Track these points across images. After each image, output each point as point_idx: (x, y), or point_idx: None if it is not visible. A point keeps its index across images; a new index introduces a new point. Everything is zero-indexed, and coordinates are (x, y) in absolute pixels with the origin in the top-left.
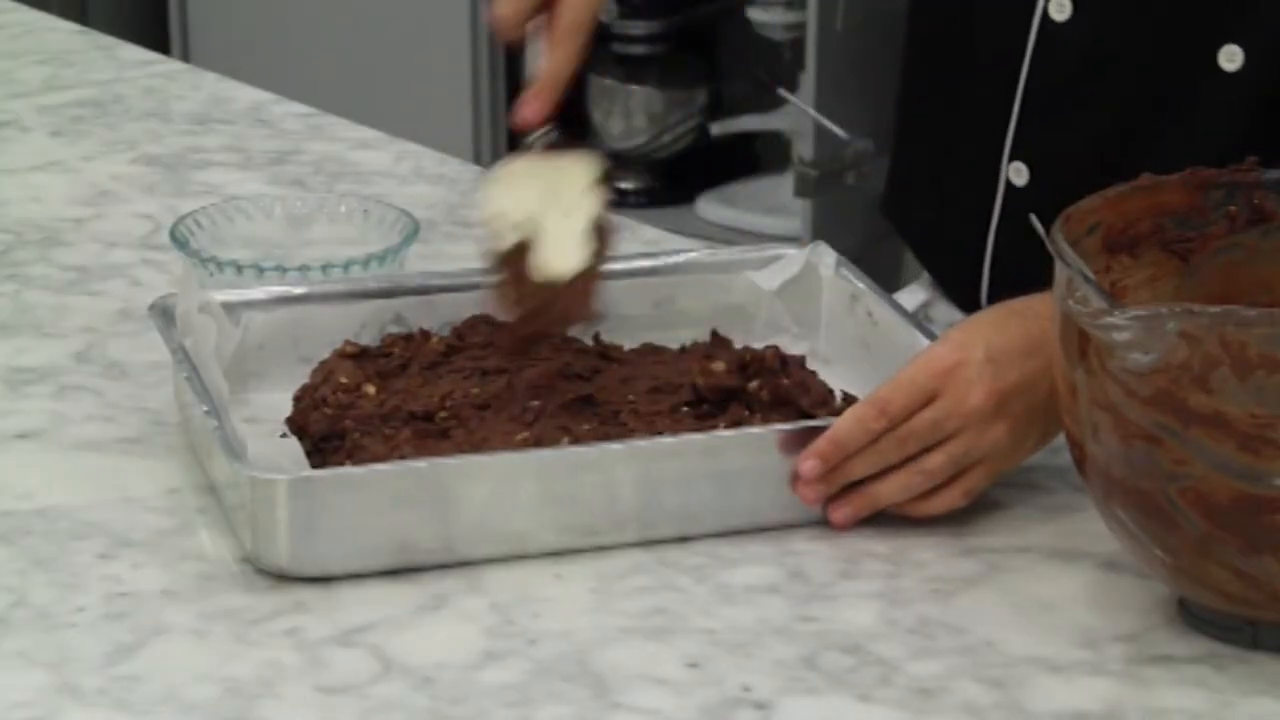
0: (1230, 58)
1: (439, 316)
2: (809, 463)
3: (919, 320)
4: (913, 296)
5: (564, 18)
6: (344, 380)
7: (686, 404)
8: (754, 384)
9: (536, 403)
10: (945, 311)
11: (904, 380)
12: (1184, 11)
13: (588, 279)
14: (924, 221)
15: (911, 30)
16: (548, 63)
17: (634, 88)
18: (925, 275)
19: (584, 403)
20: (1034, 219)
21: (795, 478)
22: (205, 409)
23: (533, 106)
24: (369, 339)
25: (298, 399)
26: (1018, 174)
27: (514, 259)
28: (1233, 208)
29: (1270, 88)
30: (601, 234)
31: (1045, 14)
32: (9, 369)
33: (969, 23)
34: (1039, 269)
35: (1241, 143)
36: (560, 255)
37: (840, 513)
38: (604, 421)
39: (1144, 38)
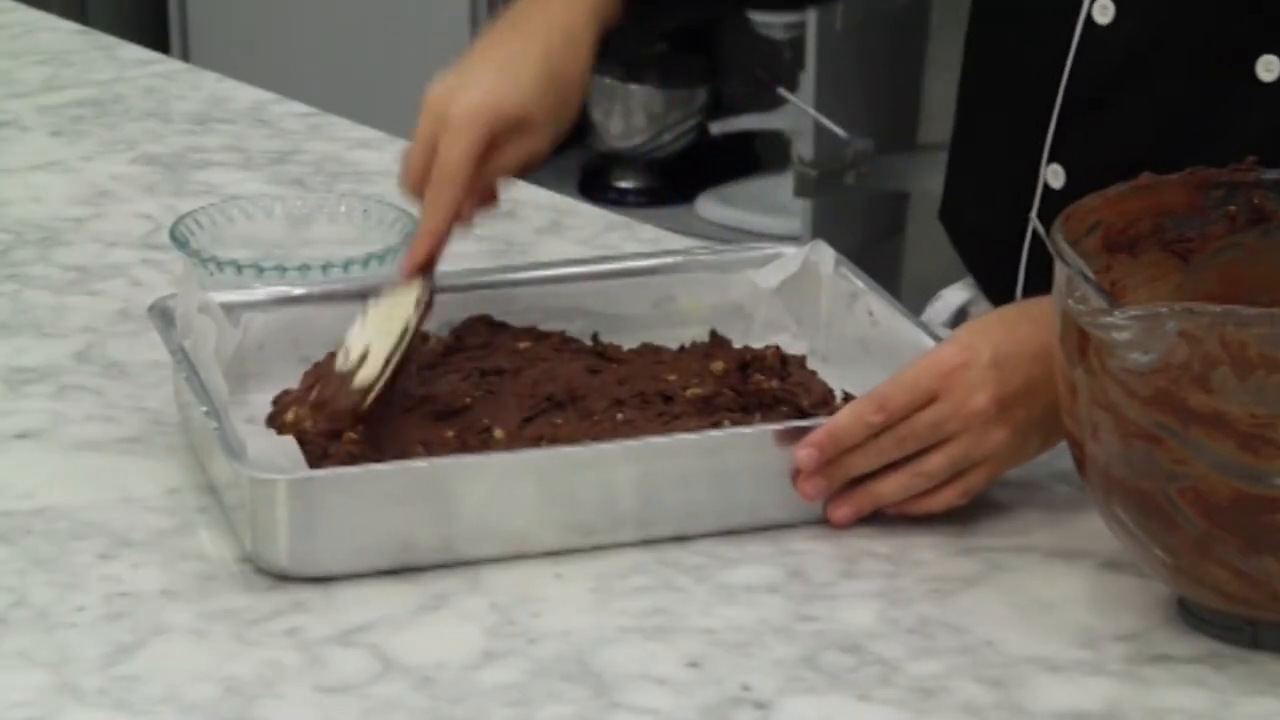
0: (1268, 68)
1: (438, 316)
2: (805, 451)
3: (919, 319)
4: (955, 296)
5: (434, 172)
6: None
7: (686, 403)
8: (753, 383)
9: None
10: (985, 312)
11: (906, 379)
12: (1223, 21)
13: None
14: (970, 223)
15: (969, 35)
16: (421, 217)
17: (634, 87)
18: (968, 276)
19: (581, 402)
20: (1035, 219)
21: (795, 473)
22: (205, 409)
23: (405, 260)
24: None
25: (276, 401)
26: (1055, 176)
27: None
28: (1233, 208)
29: None
30: (407, 343)
31: (1089, 17)
32: (9, 369)
33: (1017, 26)
34: None
35: (1277, 153)
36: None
37: (840, 512)
38: (600, 421)
39: (1183, 44)
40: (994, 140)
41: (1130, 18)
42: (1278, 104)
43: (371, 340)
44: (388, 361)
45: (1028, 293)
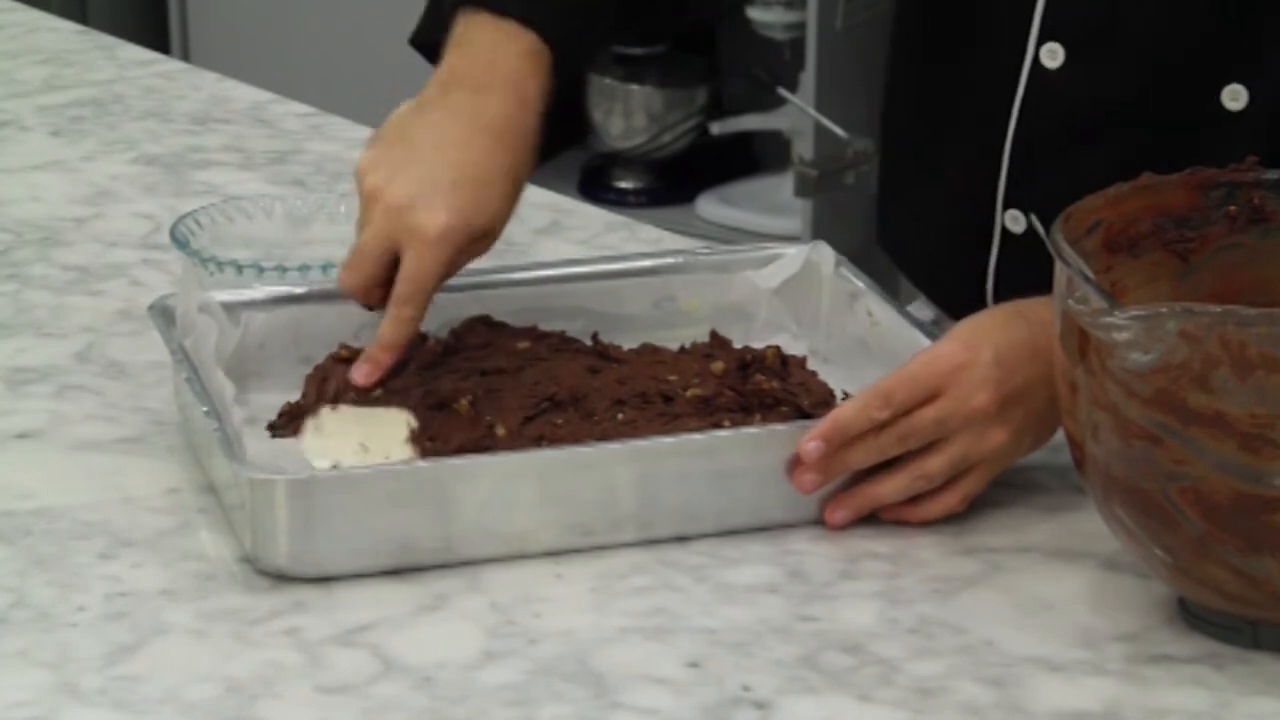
0: (1234, 97)
1: (437, 317)
2: (812, 444)
3: (918, 319)
4: (920, 313)
5: (400, 287)
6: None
7: (687, 403)
8: (754, 383)
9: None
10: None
11: (909, 374)
12: (1185, 54)
13: None
14: (922, 256)
15: (893, 69)
16: (383, 330)
17: (634, 87)
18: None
19: (581, 403)
20: (1034, 219)
21: (793, 463)
22: (206, 409)
23: (364, 370)
24: (367, 339)
25: (283, 413)
26: (1014, 221)
27: None
28: (1233, 208)
29: (1277, 124)
30: None
31: (1036, 60)
32: (9, 369)
33: (956, 67)
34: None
35: None
36: None
37: (837, 514)
38: (600, 422)
39: (1143, 82)
40: (941, 183)
41: (1082, 61)
42: (1247, 133)
43: (341, 458)
44: None
45: None
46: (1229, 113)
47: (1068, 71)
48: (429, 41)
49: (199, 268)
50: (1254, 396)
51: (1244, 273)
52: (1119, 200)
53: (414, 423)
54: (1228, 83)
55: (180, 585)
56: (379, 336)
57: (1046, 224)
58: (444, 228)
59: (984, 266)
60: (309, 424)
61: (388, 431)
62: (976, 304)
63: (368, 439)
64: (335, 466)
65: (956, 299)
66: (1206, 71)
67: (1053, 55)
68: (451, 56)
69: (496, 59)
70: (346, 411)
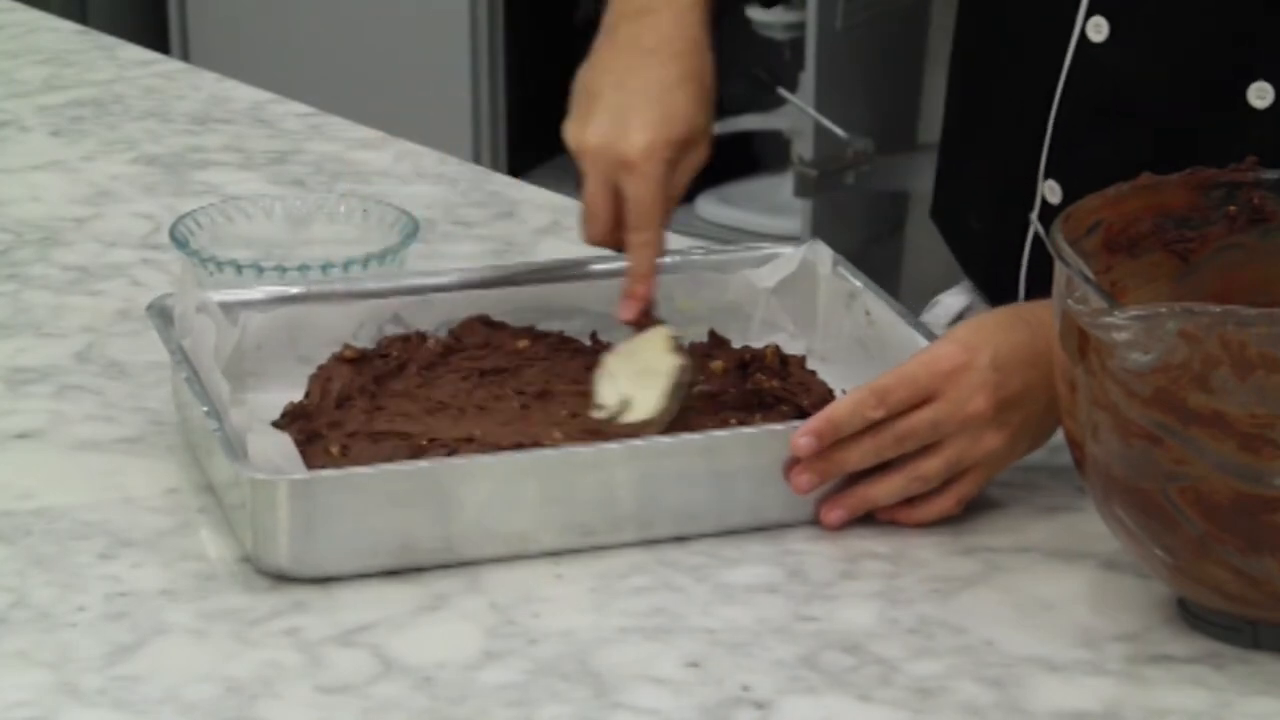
0: (1260, 95)
1: (437, 316)
2: (804, 439)
3: (916, 319)
4: (954, 300)
5: (630, 218)
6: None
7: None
8: (753, 383)
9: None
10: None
11: (906, 374)
12: (1216, 44)
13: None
14: (969, 231)
15: (957, 42)
16: (630, 262)
17: None
18: (966, 280)
19: (580, 401)
20: (1034, 219)
21: (790, 464)
22: (205, 409)
23: (628, 307)
24: (367, 339)
25: (286, 413)
26: (1052, 192)
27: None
28: (1233, 208)
29: None
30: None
31: (1083, 34)
32: (9, 369)
33: (1009, 39)
34: None
35: None
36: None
37: (833, 514)
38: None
39: (1176, 67)
40: (989, 151)
41: (1124, 36)
42: (1270, 130)
43: (628, 391)
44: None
45: (1029, 297)
46: (1253, 109)
47: (1111, 46)
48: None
49: (199, 267)
50: (1254, 396)
51: (1244, 273)
52: (1119, 200)
53: (673, 333)
54: (1255, 79)
55: (180, 585)
56: (628, 270)
57: (1079, 196)
58: (643, 148)
59: (1023, 236)
60: (600, 375)
61: (655, 352)
62: (1012, 276)
63: (643, 364)
64: (625, 399)
65: (994, 274)
66: (1235, 64)
67: (1098, 29)
68: (610, 3)
69: (662, 17)
70: (623, 349)
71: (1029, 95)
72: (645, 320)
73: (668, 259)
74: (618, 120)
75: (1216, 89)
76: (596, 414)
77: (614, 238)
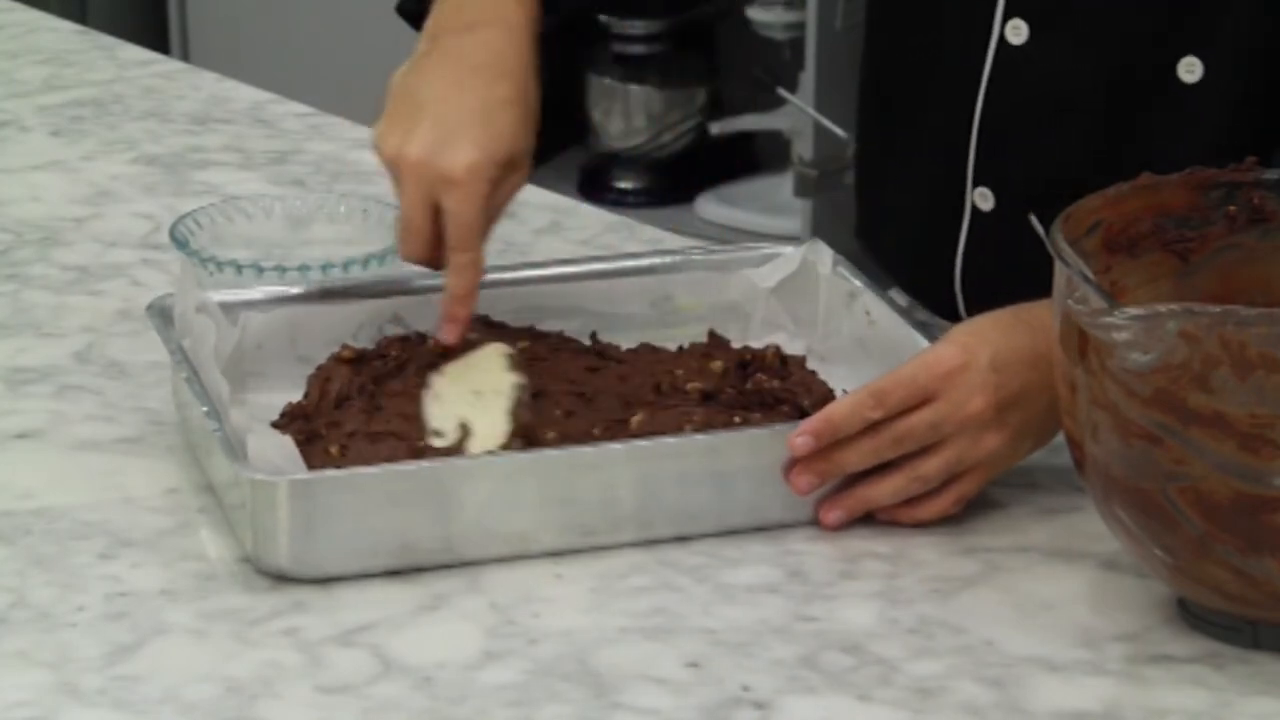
0: (1190, 69)
1: (437, 316)
2: (801, 439)
3: (916, 319)
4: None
5: (450, 237)
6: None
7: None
8: (754, 382)
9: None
10: (928, 317)
11: (905, 376)
12: (1142, 27)
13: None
14: (895, 240)
15: (867, 58)
16: (449, 283)
17: (633, 87)
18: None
19: (581, 402)
20: (1034, 219)
21: (790, 465)
22: (205, 409)
23: (447, 330)
24: (366, 339)
25: (284, 413)
26: (983, 199)
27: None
28: (1232, 208)
29: (1230, 96)
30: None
31: (1002, 38)
32: (9, 369)
33: (924, 50)
34: (1010, 291)
35: (1204, 153)
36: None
37: (831, 515)
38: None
39: (1103, 56)
40: (910, 165)
41: (1044, 36)
42: (1203, 105)
43: (464, 414)
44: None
45: (969, 307)
46: (1185, 85)
47: (1032, 47)
48: (416, 10)
49: (199, 268)
50: (1254, 396)
51: (1244, 273)
52: (1119, 200)
53: (508, 351)
54: (1183, 55)
55: (180, 585)
56: (447, 291)
57: (1013, 201)
58: (468, 166)
59: (954, 246)
60: (427, 396)
61: (490, 372)
62: (945, 286)
63: (478, 385)
64: (463, 425)
65: (926, 282)
66: (1163, 43)
67: (1017, 31)
68: (435, 9)
69: (490, 33)
70: (449, 370)
71: (949, 105)
72: (464, 344)
73: (667, 259)
74: (442, 136)
75: (1145, 71)
76: (436, 442)
77: (431, 254)
